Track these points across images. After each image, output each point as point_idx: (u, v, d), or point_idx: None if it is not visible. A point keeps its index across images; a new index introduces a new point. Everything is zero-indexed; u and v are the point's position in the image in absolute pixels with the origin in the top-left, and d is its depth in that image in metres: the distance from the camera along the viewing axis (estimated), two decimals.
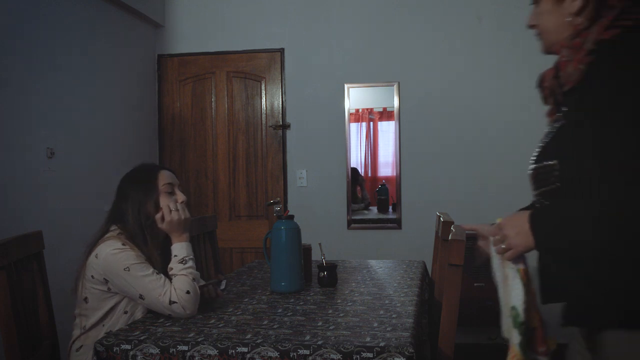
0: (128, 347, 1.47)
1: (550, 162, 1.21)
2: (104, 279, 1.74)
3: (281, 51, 4.08)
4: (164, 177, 1.86)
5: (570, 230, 1.12)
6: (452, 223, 2.13)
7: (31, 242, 1.87)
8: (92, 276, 1.75)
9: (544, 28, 1.30)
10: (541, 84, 1.32)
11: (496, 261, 1.23)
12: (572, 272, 1.19)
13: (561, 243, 1.14)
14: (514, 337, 1.18)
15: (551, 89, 1.28)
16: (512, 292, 1.20)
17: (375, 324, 1.59)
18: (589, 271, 1.16)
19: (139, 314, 1.78)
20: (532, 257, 1.23)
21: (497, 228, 1.23)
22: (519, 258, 1.20)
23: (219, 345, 1.43)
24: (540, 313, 1.22)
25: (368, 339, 1.44)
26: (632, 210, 1.04)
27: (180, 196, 1.87)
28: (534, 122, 3.80)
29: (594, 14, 1.20)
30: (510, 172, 3.77)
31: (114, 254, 1.72)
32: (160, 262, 1.80)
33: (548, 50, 1.30)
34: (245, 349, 1.42)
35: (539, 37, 1.32)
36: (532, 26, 1.33)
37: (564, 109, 1.24)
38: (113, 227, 1.83)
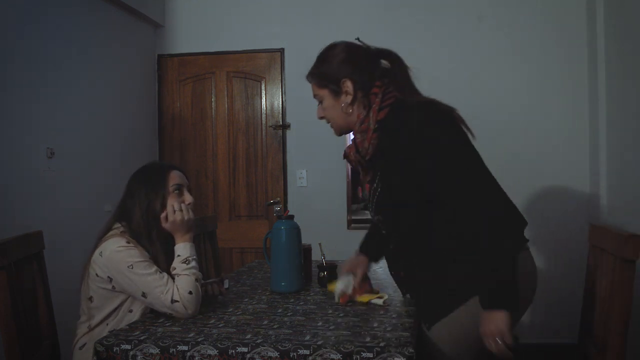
0: (128, 347, 1.47)
1: (378, 217, 1.76)
2: (108, 277, 1.74)
3: (281, 51, 4.08)
4: (174, 178, 1.86)
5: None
6: None
7: (31, 242, 1.87)
8: (96, 274, 1.75)
9: (331, 118, 1.76)
10: (347, 157, 1.75)
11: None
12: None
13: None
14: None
15: (356, 160, 1.72)
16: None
17: (375, 324, 1.59)
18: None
19: (143, 313, 1.79)
20: None
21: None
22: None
23: (219, 345, 1.43)
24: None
25: (368, 339, 1.44)
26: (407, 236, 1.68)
27: (188, 198, 1.87)
28: (533, 121, 3.82)
29: (366, 102, 1.67)
30: (509, 171, 3.76)
31: (118, 252, 1.72)
32: (164, 261, 1.80)
33: (340, 133, 1.78)
34: (245, 349, 1.42)
35: (330, 124, 1.77)
36: (321, 117, 1.79)
37: (378, 174, 1.68)
38: (117, 225, 1.83)
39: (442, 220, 1.59)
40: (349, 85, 1.69)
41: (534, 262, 1.68)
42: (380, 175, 1.69)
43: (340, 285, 1.84)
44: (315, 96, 1.79)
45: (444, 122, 1.59)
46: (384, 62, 1.75)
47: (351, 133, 1.76)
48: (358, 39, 1.79)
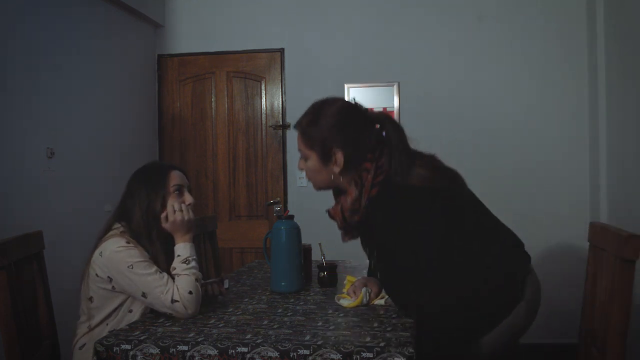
0: (128, 347, 1.47)
1: (372, 276, 1.89)
2: (108, 277, 1.74)
3: (281, 51, 4.08)
4: (174, 178, 1.86)
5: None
6: None
7: (31, 242, 1.87)
8: (96, 274, 1.75)
9: (311, 177, 1.76)
10: (332, 218, 1.77)
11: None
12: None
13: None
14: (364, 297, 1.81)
15: (343, 226, 1.75)
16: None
17: (375, 324, 1.59)
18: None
19: (143, 313, 1.79)
20: None
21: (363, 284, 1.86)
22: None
23: (219, 345, 1.43)
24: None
25: (368, 339, 1.44)
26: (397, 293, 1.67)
27: (188, 198, 1.87)
28: (534, 121, 3.82)
29: (357, 179, 1.65)
30: (509, 171, 3.77)
31: (117, 252, 1.72)
32: (164, 261, 1.80)
33: (318, 190, 1.78)
34: (245, 349, 1.42)
35: (308, 179, 1.78)
36: (301, 169, 1.77)
37: (369, 242, 1.78)
38: (117, 225, 1.83)
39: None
40: (340, 157, 1.66)
41: (538, 283, 1.70)
42: (373, 247, 1.74)
43: (365, 299, 1.82)
44: (299, 151, 1.74)
45: (431, 207, 1.59)
46: (379, 127, 1.72)
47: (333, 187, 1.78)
48: (354, 98, 1.77)
